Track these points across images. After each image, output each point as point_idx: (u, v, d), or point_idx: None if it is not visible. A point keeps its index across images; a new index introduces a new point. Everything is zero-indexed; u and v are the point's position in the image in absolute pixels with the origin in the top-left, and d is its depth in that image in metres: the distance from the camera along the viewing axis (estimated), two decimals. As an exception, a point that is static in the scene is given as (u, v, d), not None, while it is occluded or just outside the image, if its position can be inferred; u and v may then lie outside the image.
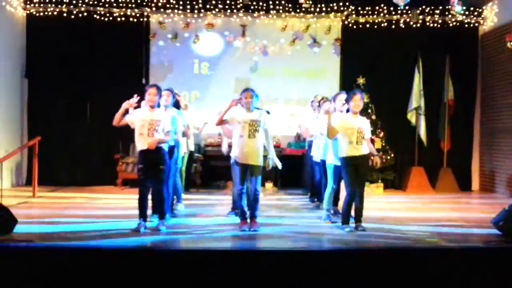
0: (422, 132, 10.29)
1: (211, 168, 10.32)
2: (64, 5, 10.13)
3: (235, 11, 10.39)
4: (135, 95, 6.08)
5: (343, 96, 6.67)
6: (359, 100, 6.20)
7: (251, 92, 6.20)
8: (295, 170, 9.87)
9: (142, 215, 6.00)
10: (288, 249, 5.30)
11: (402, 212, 7.77)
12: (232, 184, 7.06)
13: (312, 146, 7.83)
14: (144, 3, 10.27)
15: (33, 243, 5.05)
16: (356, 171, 6.16)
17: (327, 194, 6.78)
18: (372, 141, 7.47)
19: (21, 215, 6.23)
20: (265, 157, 6.33)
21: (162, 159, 6.03)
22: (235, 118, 6.16)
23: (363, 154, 6.22)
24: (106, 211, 7.39)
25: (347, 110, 6.43)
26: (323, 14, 10.44)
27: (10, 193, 8.79)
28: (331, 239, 5.84)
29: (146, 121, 5.97)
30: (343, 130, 6.19)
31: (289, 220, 6.89)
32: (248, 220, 6.14)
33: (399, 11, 10.35)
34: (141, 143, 5.98)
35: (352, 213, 6.33)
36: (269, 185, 10.29)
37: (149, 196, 6.16)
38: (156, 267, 4.81)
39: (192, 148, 8.33)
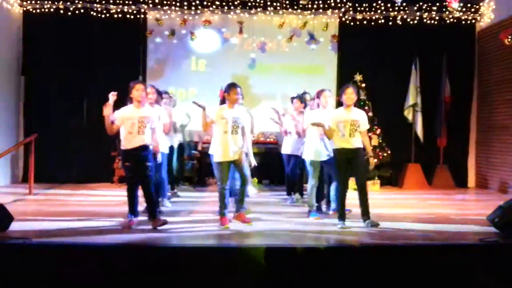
0: (419, 129, 10.28)
1: (207, 166, 10.29)
2: (61, 2, 10.10)
3: (232, 7, 10.38)
4: (112, 93, 5.96)
5: (328, 92, 6.78)
6: (351, 93, 6.20)
7: (239, 89, 6.11)
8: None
9: (132, 211, 5.97)
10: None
11: (398, 209, 7.78)
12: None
13: (283, 141, 8.18)
14: (141, 0, 10.25)
15: (29, 241, 5.05)
16: (348, 163, 6.14)
17: (309, 190, 6.82)
18: (370, 138, 7.46)
19: (18, 212, 6.24)
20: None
21: (147, 156, 5.96)
22: (219, 114, 6.06)
23: (356, 147, 6.17)
24: (103, 208, 7.38)
25: (341, 104, 6.42)
26: (320, 10, 10.45)
27: (6, 190, 8.80)
28: (325, 237, 5.81)
29: (135, 118, 5.88)
30: (335, 124, 6.18)
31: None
32: (232, 215, 6.19)
33: (396, 8, 10.37)
34: (131, 142, 5.85)
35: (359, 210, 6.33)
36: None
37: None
38: (149, 263, 4.83)
39: (181, 140, 8.49)
